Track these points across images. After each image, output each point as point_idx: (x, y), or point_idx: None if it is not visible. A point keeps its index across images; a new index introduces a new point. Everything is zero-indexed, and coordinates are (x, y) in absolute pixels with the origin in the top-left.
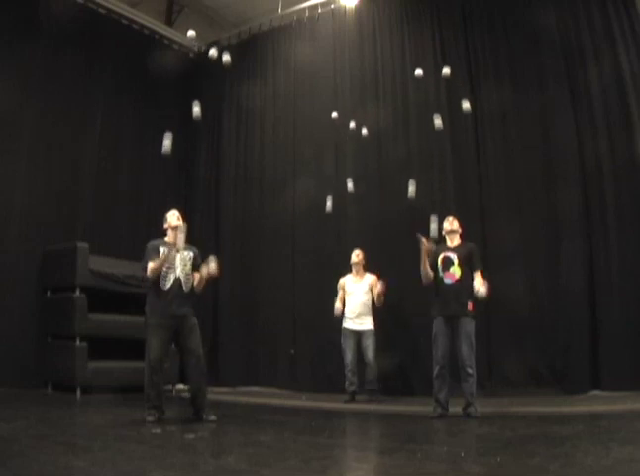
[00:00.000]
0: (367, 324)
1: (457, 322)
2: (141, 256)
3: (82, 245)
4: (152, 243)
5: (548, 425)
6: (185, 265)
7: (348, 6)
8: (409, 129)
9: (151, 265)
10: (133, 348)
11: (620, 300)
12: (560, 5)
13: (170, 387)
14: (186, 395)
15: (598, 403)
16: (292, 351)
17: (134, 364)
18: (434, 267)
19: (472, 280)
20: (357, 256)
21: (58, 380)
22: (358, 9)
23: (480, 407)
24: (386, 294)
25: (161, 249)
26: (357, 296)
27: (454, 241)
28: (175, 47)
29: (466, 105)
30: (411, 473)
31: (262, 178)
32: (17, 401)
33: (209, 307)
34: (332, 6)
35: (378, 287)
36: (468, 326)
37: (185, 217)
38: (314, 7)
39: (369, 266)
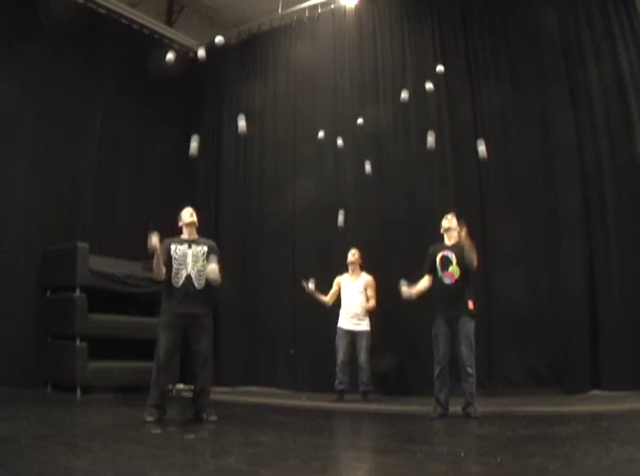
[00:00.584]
0: (362, 325)
1: (457, 322)
2: (141, 256)
3: (82, 245)
4: (165, 241)
5: (548, 425)
6: (197, 261)
7: (348, 6)
8: (409, 129)
9: (153, 237)
10: (133, 348)
11: (620, 300)
12: (560, 5)
13: (170, 387)
14: (187, 395)
15: (598, 403)
16: (292, 351)
17: (134, 364)
18: (433, 267)
19: (471, 280)
20: (353, 255)
21: (58, 380)
22: (358, 9)
23: (481, 407)
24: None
25: (173, 247)
26: (352, 295)
27: (452, 239)
28: (175, 47)
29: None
30: (411, 473)
31: (262, 178)
32: (17, 401)
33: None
34: (332, 6)
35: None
36: (467, 326)
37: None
38: (314, 7)
39: (369, 266)
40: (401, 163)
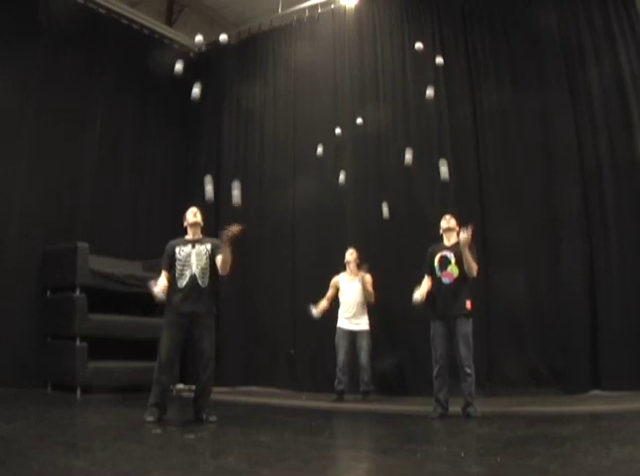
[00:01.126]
0: (362, 324)
1: (454, 322)
2: (141, 256)
3: (82, 245)
4: (170, 244)
5: (548, 425)
6: (201, 260)
7: (348, 6)
8: (409, 129)
9: (154, 287)
10: (133, 348)
11: (620, 300)
12: (560, 5)
13: (171, 387)
14: (187, 395)
15: (598, 403)
16: (292, 351)
17: (134, 364)
18: (431, 266)
19: (469, 279)
20: (351, 255)
21: (58, 380)
22: (358, 9)
23: (480, 407)
24: (375, 288)
25: (177, 249)
26: (351, 295)
27: (451, 239)
28: (175, 47)
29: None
30: (411, 473)
31: (262, 179)
32: (17, 401)
33: None
34: (332, 6)
35: (366, 278)
36: (465, 326)
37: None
38: (314, 7)
39: (369, 266)
40: (401, 163)
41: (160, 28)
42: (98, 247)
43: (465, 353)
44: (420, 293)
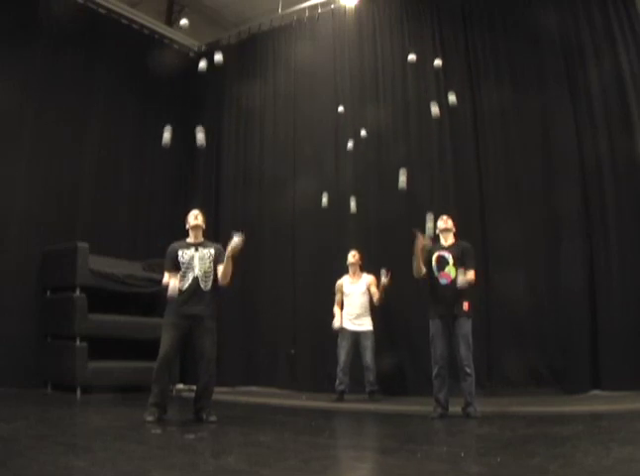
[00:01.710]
0: (366, 325)
1: (454, 323)
2: (141, 256)
3: (82, 245)
4: (172, 246)
5: (548, 425)
6: (204, 263)
7: (348, 6)
8: (409, 129)
9: (165, 281)
10: (133, 348)
11: (620, 301)
12: (560, 5)
13: (171, 387)
14: (187, 395)
15: (598, 403)
16: (292, 351)
17: (134, 364)
18: (428, 266)
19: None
20: (353, 257)
21: (58, 380)
22: (358, 9)
23: (480, 407)
24: (385, 290)
25: (180, 252)
26: (355, 297)
27: (448, 240)
28: (175, 47)
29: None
30: (411, 473)
31: (262, 179)
32: (17, 401)
33: None
34: (332, 6)
35: (383, 280)
36: (465, 327)
37: (186, 217)
38: (314, 7)
39: (369, 266)
40: (401, 163)
41: (160, 28)
42: (98, 247)
43: (465, 353)
44: (419, 248)
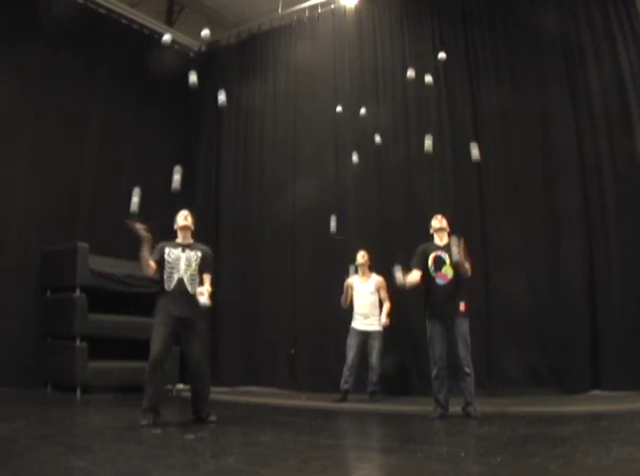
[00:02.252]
0: (375, 325)
1: (452, 323)
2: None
3: (82, 245)
4: (161, 243)
5: (548, 425)
6: (190, 265)
7: (348, 6)
8: (409, 129)
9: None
10: (133, 348)
11: (620, 301)
12: (560, 5)
13: (170, 387)
14: (187, 395)
15: (598, 403)
16: (292, 351)
17: (134, 364)
18: (425, 267)
19: (463, 279)
20: (362, 257)
21: (58, 380)
22: (358, 9)
23: (480, 407)
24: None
25: (167, 250)
26: (364, 296)
27: (443, 239)
28: (175, 47)
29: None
30: (411, 473)
31: (262, 179)
32: (17, 401)
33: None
34: (332, 6)
35: (384, 320)
36: (462, 326)
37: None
38: (314, 7)
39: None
40: (401, 163)
41: (160, 28)
42: (98, 247)
43: (463, 353)
44: (408, 280)
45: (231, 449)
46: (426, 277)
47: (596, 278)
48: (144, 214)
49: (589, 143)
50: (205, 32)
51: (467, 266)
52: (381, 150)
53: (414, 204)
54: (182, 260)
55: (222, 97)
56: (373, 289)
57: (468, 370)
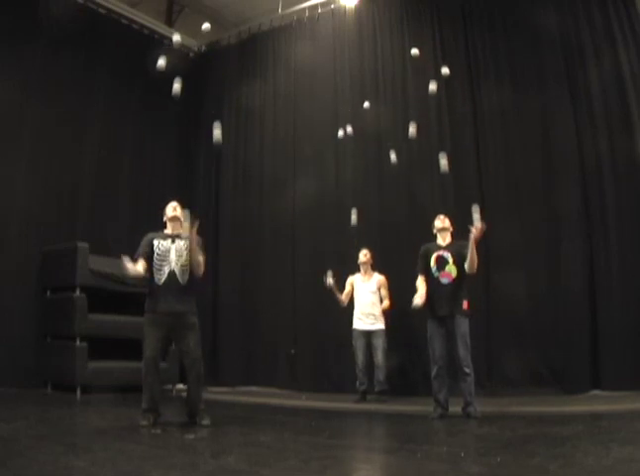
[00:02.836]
0: (377, 324)
1: (452, 322)
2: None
3: (82, 245)
4: (148, 235)
5: (548, 425)
6: (181, 256)
7: (348, 6)
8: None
9: (128, 267)
10: (133, 348)
11: (620, 301)
12: (560, 5)
13: (170, 387)
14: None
15: (598, 403)
16: (292, 351)
17: (134, 364)
18: (427, 267)
19: (466, 279)
20: (365, 256)
21: (58, 380)
22: (358, 9)
23: (480, 407)
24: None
25: (155, 242)
26: (366, 295)
27: (445, 239)
28: (176, 47)
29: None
30: (411, 473)
31: (262, 178)
32: (17, 401)
33: (209, 307)
34: (332, 6)
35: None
36: (462, 326)
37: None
38: (314, 7)
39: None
40: (401, 163)
41: (160, 28)
42: (98, 247)
43: (463, 353)
44: (420, 296)
45: (231, 449)
46: (428, 277)
47: (596, 278)
48: (144, 214)
49: (589, 143)
50: (205, 25)
51: (476, 258)
52: (382, 150)
53: (414, 204)
54: (173, 251)
55: (217, 132)
56: (374, 288)
57: (467, 370)
